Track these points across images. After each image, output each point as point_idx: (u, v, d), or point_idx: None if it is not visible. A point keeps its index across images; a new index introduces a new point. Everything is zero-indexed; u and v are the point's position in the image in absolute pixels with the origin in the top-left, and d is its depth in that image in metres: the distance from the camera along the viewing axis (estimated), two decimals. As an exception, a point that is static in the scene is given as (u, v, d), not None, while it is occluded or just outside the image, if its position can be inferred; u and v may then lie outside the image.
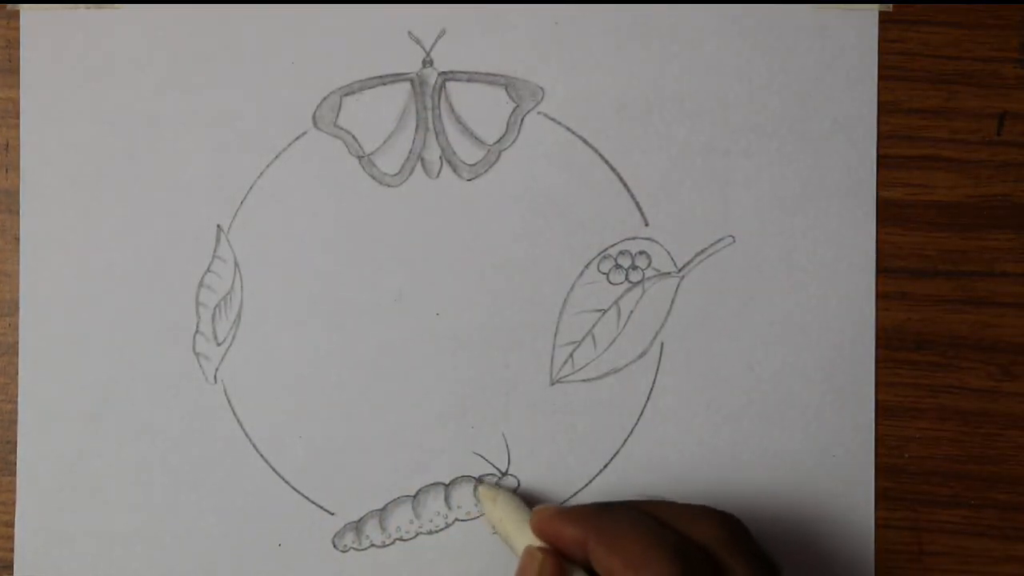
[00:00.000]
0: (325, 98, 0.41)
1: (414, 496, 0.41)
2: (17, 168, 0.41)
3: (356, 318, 0.41)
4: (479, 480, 0.41)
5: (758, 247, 0.41)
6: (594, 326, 0.41)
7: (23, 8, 0.41)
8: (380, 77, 0.41)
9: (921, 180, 0.41)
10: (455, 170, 0.41)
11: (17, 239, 0.41)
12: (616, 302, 0.41)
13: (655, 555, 0.33)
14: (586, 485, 0.41)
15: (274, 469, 0.41)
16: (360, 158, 0.41)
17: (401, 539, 0.41)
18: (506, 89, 0.41)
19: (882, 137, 0.41)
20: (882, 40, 0.41)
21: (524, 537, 0.37)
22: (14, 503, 0.41)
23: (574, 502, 0.41)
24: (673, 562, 0.33)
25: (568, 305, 0.41)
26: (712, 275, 0.41)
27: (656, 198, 0.41)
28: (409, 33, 0.41)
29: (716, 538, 0.35)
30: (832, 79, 0.41)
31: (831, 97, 0.41)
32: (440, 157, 0.41)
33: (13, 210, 0.41)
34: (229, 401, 0.41)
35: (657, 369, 0.41)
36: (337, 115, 0.41)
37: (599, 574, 0.35)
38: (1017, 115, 0.41)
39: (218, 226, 0.41)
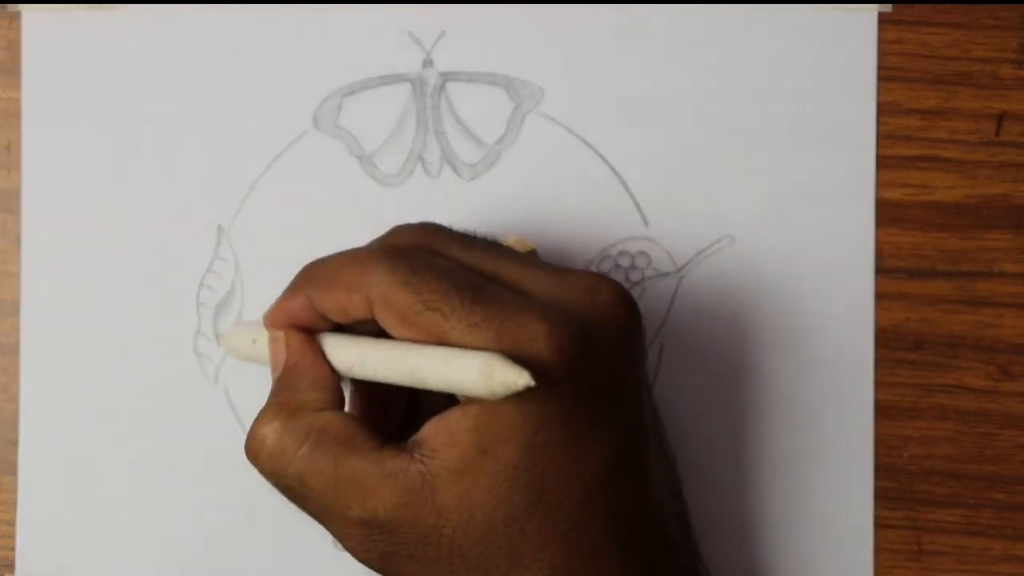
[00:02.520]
0: (325, 98, 0.41)
1: (414, 495, 0.41)
2: (18, 168, 0.41)
3: (356, 318, 0.41)
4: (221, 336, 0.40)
5: (758, 247, 0.41)
6: (594, 326, 0.41)
7: (24, 9, 0.41)
8: (380, 77, 0.41)
9: (920, 180, 0.41)
10: (455, 170, 0.41)
11: (18, 239, 0.41)
12: (616, 302, 0.41)
13: (368, 267, 0.32)
14: (586, 485, 0.41)
15: (274, 468, 0.41)
16: (360, 158, 0.41)
17: (401, 539, 0.41)
18: (506, 89, 0.41)
19: (881, 137, 0.41)
20: (881, 41, 0.41)
21: (259, 344, 0.36)
22: (15, 502, 0.41)
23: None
24: (383, 262, 0.32)
25: (568, 305, 0.41)
26: (712, 275, 0.41)
27: (656, 198, 0.41)
28: (409, 33, 0.41)
29: (421, 237, 0.35)
30: (832, 79, 0.41)
31: (831, 97, 0.41)
32: (440, 157, 0.41)
33: (14, 210, 0.41)
34: (230, 401, 0.41)
35: (657, 369, 0.41)
36: (337, 115, 0.41)
37: (341, 323, 0.34)
38: (1016, 116, 0.41)
39: (219, 226, 0.41)
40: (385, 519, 0.31)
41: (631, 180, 0.41)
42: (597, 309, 0.32)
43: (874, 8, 0.41)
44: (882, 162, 0.41)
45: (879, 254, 0.41)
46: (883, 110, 0.41)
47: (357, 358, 0.33)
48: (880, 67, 0.41)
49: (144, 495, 0.41)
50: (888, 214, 0.41)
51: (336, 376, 0.34)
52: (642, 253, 0.41)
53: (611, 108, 0.41)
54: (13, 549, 0.41)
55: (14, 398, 0.41)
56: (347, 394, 0.35)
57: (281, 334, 0.34)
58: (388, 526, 0.31)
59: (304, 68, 0.41)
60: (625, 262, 0.41)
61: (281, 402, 0.33)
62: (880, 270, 0.41)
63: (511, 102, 0.41)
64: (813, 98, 0.41)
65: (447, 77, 0.41)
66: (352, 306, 0.33)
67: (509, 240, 0.37)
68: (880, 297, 0.41)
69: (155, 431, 0.41)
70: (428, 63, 0.41)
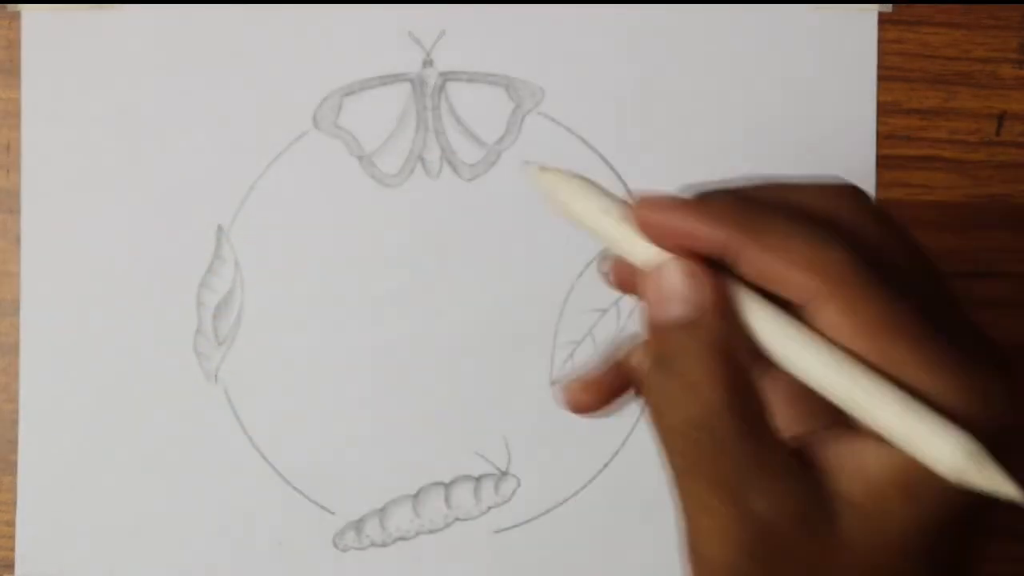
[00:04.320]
0: (325, 98, 0.41)
1: (414, 495, 0.41)
2: (18, 168, 0.41)
3: (356, 318, 0.41)
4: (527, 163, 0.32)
5: (758, 247, 0.41)
6: (594, 326, 0.41)
7: (24, 9, 0.41)
8: (380, 77, 0.41)
9: (920, 180, 0.41)
10: (455, 170, 0.41)
11: (18, 239, 0.41)
12: (616, 302, 0.41)
13: (830, 251, 0.27)
14: (586, 485, 0.41)
15: (274, 468, 0.41)
16: (360, 158, 0.41)
17: (402, 538, 0.41)
18: (506, 89, 0.41)
19: (882, 137, 0.41)
20: (881, 41, 0.41)
21: (619, 232, 0.29)
22: (15, 502, 0.41)
23: (574, 502, 0.41)
24: (852, 257, 0.27)
25: (568, 305, 0.41)
26: (712, 275, 0.41)
27: (656, 198, 0.41)
28: (409, 33, 0.41)
29: (873, 229, 0.29)
30: (832, 79, 0.41)
31: (831, 97, 0.41)
32: (440, 157, 0.41)
33: (14, 210, 0.41)
34: (230, 401, 0.41)
35: (657, 369, 0.41)
36: (337, 115, 0.41)
37: (747, 278, 0.28)
38: (1016, 116, 0.41)
39: (219, 226, 0.41)
40: (781, 527, 0.27)
41: (631, 180, 0.41)
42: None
43: (874, 8, 0.41)
44: (882, 162, 0.41)
45: (879, 254, 0.41)
46: (883, 110, 0.41)
47: (807, 356, 0.28)
48: (880, 67, 0.41)
49: (143, 495, 0.41)
50: (888, 214, 0.41)
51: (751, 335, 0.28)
52: (642, 253, 0.41)
53: (611, 108, 0.41)
54: (13, 549, 0.41)
55: (14, 398, 0.41)
56: None
57: (699, 270, 0.28)
58: (780, 535, 0.27)
59: (304, 68, 0.41)
60: (625, 262, 0.41)
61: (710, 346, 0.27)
62: (880, 270, 0.41)
63: (511, 102, 0.41)
64: (813, 98, 0.41)
65: (447, 77, 0.41)
66: (785, 283, 0.27)
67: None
68: (880, 297, 0.41)
69: (155, 431, 0.41)
70: (428, 63, 0.41)
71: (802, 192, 0.29)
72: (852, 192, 0.30)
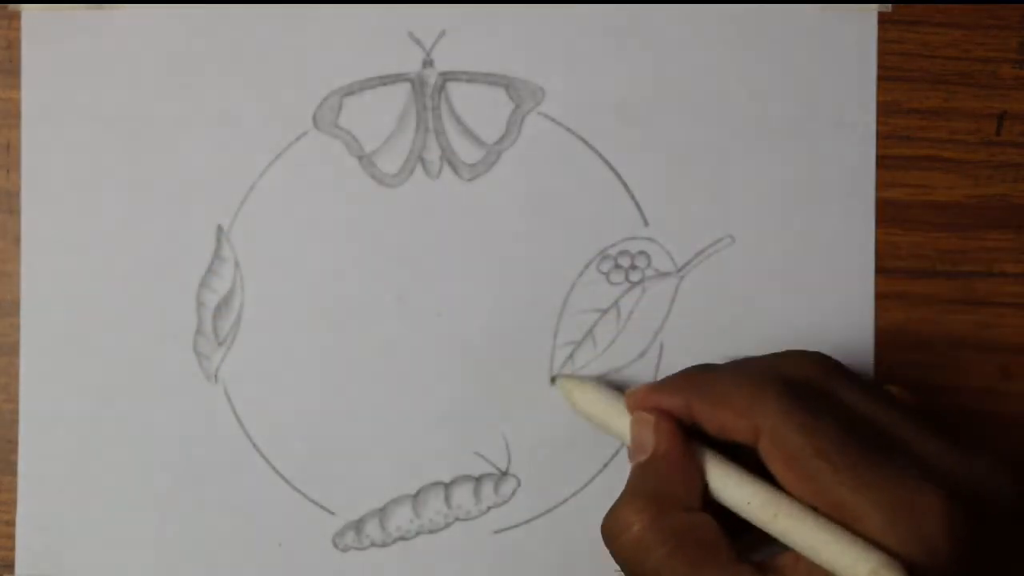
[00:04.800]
0: (325, 98, 0.41)
1: (414, 495, 0.41)
2: (17, 168, 0.41)
3: (357, 318, 0.41)
4: (554, 378, 0.41)
5: (758, 247, 0.41)
6: (594, 326, 0.41)
7: (24, 8, 0.41)
8: (380, 77, 0.41)
9: (920, 180, 0.41)
10: (455, 170, 0.41)
11: (17, 239, 0.41)
12: (616, 302, 0.41)
13: (761, 395, 0.32)
14: (586, 485, 0.41)
15: (274, 468, 0.41)
16: (360, 158, 0.41)
17: (402, 538, 0.41)
18: (506, 89, 0.41)
19: (881, 137, 0.41)
20: (881, 40, 0.41)
21: (620, 419, 0.37)
22: (15, 502, 0.41)
23: (574, 502, 0.41)
24: (780, 398, 0.32)
25: (568, 305, 0.41)
26: (712, 275, 0.41)
27: (656, 198, 0.41)
28: (409, 33, 0.41)
29: (817, 372, 0.34)
30: (832, 79, 0.41)
31: (831, 97, 0.41)
32: (440, 157, 0.41)
33: (13, 210, 0.41)
34: (230, 401, 0.41)
35: (657, 369, 0.41)
36: (337, 115, 0.41)
37: (710, 433, 0.34)
38: (1016, 116, 0.41)
39: (219, 226, 0.41)
40: None
41: (631, 180, 0.41)
42: (997, 494, 0.31)
43: (874, 8, 0.41)
44: (882, 162, 0.41)
45: (879, 254, 0.41)
46: (883, 110, 0.41)
47: (739, 493, 0.33)
48: (880, 67, 0.41)
49: (144, 495, 0.41)
50: (888, 214, 0.41)
51: (703, 475, 0.34)
52: (642, 253, 0.41)
53: (611, 108, 0.41)
54: (13, 549, 0.41)
55: (14, 398, 0.41)
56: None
57: (651, 418, 0.35)
58: None
59: (304, 68, 0.41)
60: (625, 262, 0.41)
61: (651, 492, 0.33)
62: (880, 270, 0.41)
63: (511, 102, 0.41)
64: (813, 98, 0.41)
65: (447, 77, 0.41)
66: (736, 430, 0.33)
67: (892, 389, 0.36)
68: (880, 297, 0.41)
69: (155, 431, 0.41)
70: (428, 63, 0.41)
71: (770, 358, 0.35)
72: (815, 355, 0.35)
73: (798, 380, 0.33)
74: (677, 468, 0.34)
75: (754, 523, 0.33)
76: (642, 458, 0.35)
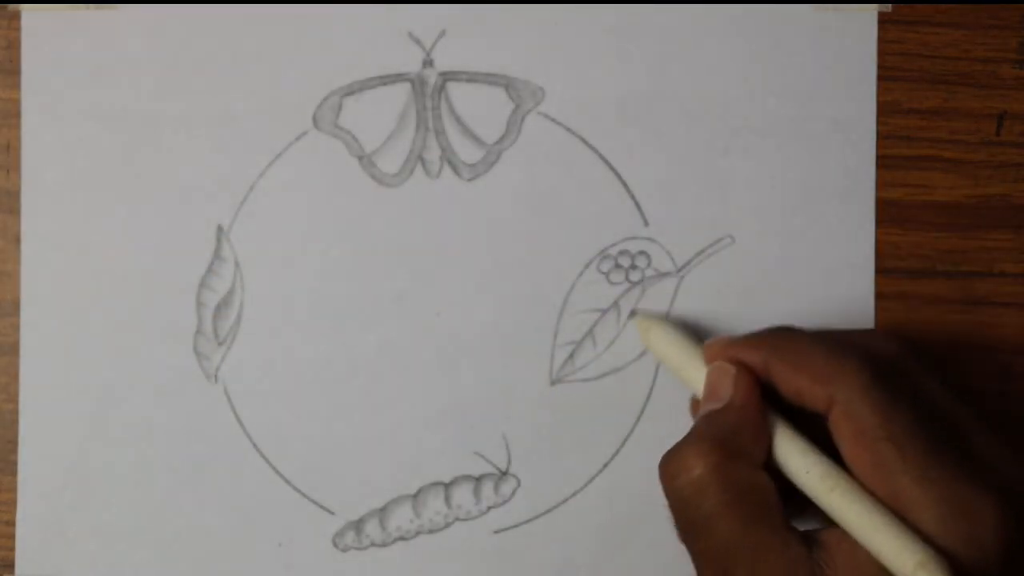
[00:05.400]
0: (325, 98, 0.41)
1: (414, 495, 0.41)
2: (17, 168, 0.41)
3: (356, 318, 0.41)
4: (632, 312, 0.40)
5: (757, 247, 0.41)
6: (594, 326, 0.41)
7: (24, 8, 0.41)
8: (380, 77, 0.41)
9: (920, 180, 0.41)
10: (455, 170, 0.41)
11: (17, 239, 0.41)
12: (616, 302, 0.41)
13: (842, 366, 0.32)
14: (586, 485, 0.41)
15: (274, 468, 0.41)
16: (360, 158, 0.41)
17: (402, 538, 0.41)
18: (506, 89, 0.41)
19: (881, 137, 0.41)
20: (881, 41, 0.41)
21: (692, 365, 0.37)
22: (15, 502, 0.41)
23: (574, 502, 0.41)
24: (861, 372, 0.32)
25: (568, 305, 0.41)
26: (712, 275, 0.41)
27: (656, 198, 0.41)
28: (409, 33, 0.41)
29: (900, 355, 0.34)
30: (831, 79, 0.41)
31: (831, 97, 0.41)
32: (440, 157, 0.41)
33: (13, 210, 0.41)
34: (230, 401, 0.41)
35: (657, 369, 0.41)
36: (337, 115, 0.41)
37: (783, 395, 0.34)
38: (1016, 116, 0.41)
39: (219, 226, 0.41)
40: None
41: (631, 180, 0.41)
42: None
43: (874, 8, 0.41)
44: (882, 162, 0.41)
45: (879, 254, 0.41)
46: (883, 110, 0.41)
47: (802, 461, 0.33)
48: (880, 67, 0.41)
49: (144, 495, 0.41)
50: (888, 214, 0.41)
51: (771, 435, 0.34)
52: (642, 253, 0.41)
53: (611, 108, 0.41)
54: (13, 549, 0.41)
55: (14, 398, 0.41)
56: None
57: (732, 369, 0.35)
58: None
59: (304, 68, 0.41)
60: (625, 262, 0.41)
61: (722, 440, 0.33)
62: (880, 270, 0.41)
63: (511, 102, 0.41)
64: (813, 98, 0.41)
65: (447, 77, 0.41)
66: (811, 396, 0.33)
67: None
68: (880, 297, 0.41)
69: (155, 431, 0.41)
70: (428, 63, 0.41)
71: (856, 333, 0.35)
72: (893, 335, 0.35)
73: (881, 359, 0.33)
74: (750, 422, 0.33)
75: (808, 494, 0.32)
76: (715, 406, 0.34)
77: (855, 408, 0.31)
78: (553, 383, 0.41)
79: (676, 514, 0.33)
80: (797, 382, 0.33)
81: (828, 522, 0.32)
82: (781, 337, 0.35)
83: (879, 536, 0.30)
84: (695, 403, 0.38)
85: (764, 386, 0.34)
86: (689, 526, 0.33)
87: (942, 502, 0.30)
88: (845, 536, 0.31)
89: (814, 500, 0.32)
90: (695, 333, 0.40)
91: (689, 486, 0.33)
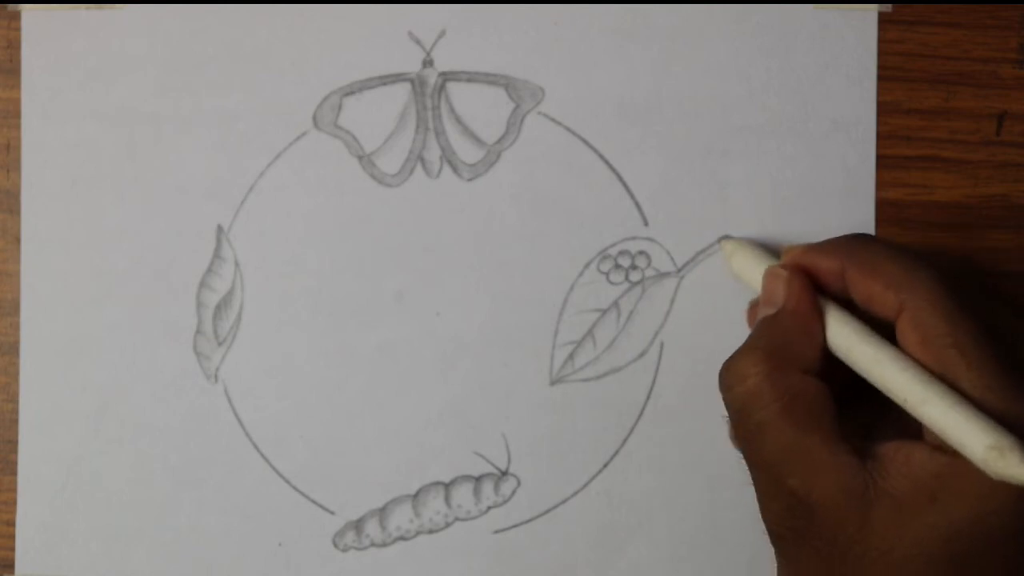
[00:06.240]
0: (325, 98, 0.41)
1: (414, 495, 0.41)
2: (18, 168, 0.41)
3: (356, 318, 0.41)
4: (721, 239, 0.41)
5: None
6: (594, 326, 0.41)
7: (24, 8, 0.41)
8: (380, 77, 0.41)
9: (920, 180, 0.41)
10: (455, 170, 0.41)
11: (18, 239, 0.41)
12: (616, 302, 0.41)
13: (915, 274, 0.32)
14: (586, 485, 0.41)
15: (274, 468, 0.41)
16: (360, 158, 0.41)
17: (402, 538, 0.41)
18: (506, 89, 0.41)
19: (881, 137, 0.41)
20: (881, 41, 0.41)
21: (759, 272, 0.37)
22: (15, 502, 0.41)
23: (574, 502, 0.41)
24: (932, 280, 0.32)
25: (568, 305, 0.41)
26: (712, 275, 0.41)
27: (656, 198, 0.41)
28: (409, 33, 0.41)
29: (968, 273, 0.35)
30: (832, 79, 0.41)
31: (830, 97, 0.41)
32: (440, 157, 0.41)
33: (14, 210, 0.41)
34: (230, 400, 0.41)
35: (657, 369, 0.41)
36: (337, 115, 0.41)
37: (856, 301, 0.34)
38: (1016, 116, 0.41)
39: (218, 226, 0.41)
40: (816, 503, 0.31)
41: (631, 180, 0.41)
42: None
43: (874, 8, 0.41)
44: (882, 162, 0.41)
45: (879, 254, 0.41)
46: (883, 110, 0.41)
47: (864, 351, 0.33)
48: (880, 67, 0.41)
49: (144, 495, 0.41)
50: (888, 214, 0.41)
51: (823, 338, 0.34)
52: (642, 253, 0.41)
53: (611, 108, 0.41)
54: (13, 549, 0.41)
55: (14, 398, 0.41)
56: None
57: (784, 273, 0.35)
58: (814, 510, 0.31)
59: (304, 68, 0.41)
60: (625, 262, 0.41)
61: (773, 348, 0.33)
62: (880, 270, 0.41)
63: (511, 102, 0.41)
64: (813, 98, 0.41)
65: (447, 77, 0.41)
66: (882, 302, 0.33)
67: None
68: (880, 297, 0.41)
69: (155, 431, 0.41)
70: (428, 63, 0.41)
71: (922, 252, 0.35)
72: (968, 262, 0.36)
73: (951, 272, 0.33)
74: (801, 325, 0.34)
75: (874, 380, 0.32)
76: (770, 312, 0.35)
77: (924, 315, 0.31)
78: (553, 383, 0.41)
79: (734, 424, 0.34)
80: (870, 287, 0.33)
81: (884, 437, 0.32)
82: (857, 243, 0.35)
83: (952, 416, 0.30)
84: (752, 309, 0.38)
85: (840, 293, 0.34)
86: (745, 434, 0.33)
87: (1003, 414, 0.30)
88: (900, 447, 0.31)
89: (881, 384, 0.32)
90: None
91: (744, 395, 0.33)
